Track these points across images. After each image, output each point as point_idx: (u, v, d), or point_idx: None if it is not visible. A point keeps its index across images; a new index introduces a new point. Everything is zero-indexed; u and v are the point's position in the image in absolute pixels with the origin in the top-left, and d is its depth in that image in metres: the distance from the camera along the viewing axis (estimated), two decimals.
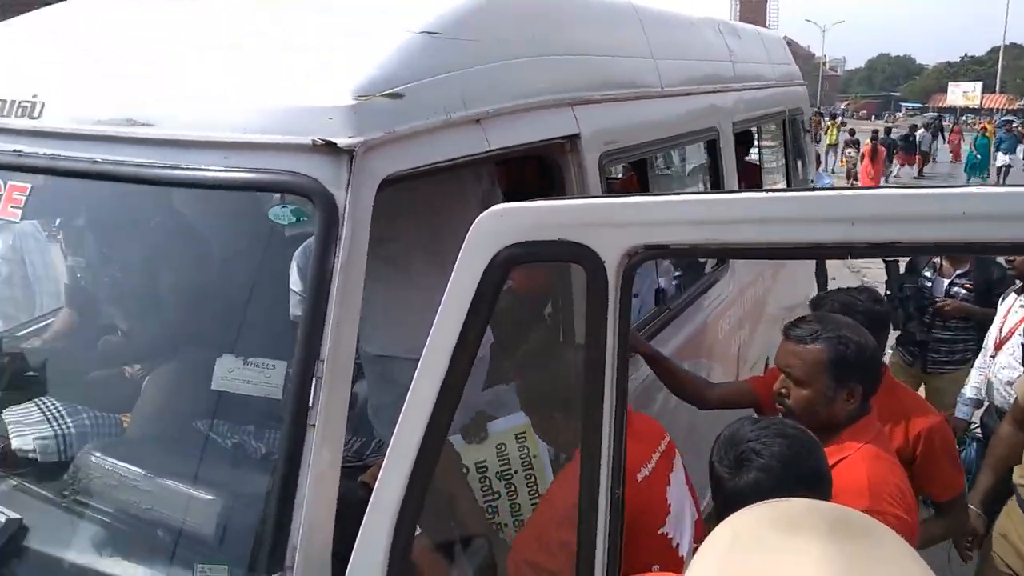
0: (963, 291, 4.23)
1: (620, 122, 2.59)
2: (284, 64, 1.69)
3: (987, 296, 4.10)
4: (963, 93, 75.79)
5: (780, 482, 1.42)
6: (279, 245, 1.52)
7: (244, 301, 1.53)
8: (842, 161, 22.54)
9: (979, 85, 74.11)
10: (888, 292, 4.39)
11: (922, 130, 24.25)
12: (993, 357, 3.54)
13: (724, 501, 1.49)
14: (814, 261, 6.33)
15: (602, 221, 1.09)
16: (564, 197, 1.15)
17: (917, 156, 22.96)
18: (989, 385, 3.52)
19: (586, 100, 2.38)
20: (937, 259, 4.35)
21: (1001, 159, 20.79)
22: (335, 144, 1.47)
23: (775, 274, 4.66)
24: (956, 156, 25.09)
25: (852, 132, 23.48)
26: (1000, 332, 3.57)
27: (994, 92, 69.90)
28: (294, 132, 1.51)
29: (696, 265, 3.80)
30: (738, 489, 1.44)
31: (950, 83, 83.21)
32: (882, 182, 19.41)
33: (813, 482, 1.46)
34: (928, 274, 4.34)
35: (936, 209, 0.98)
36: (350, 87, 1.57)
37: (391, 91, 1.62)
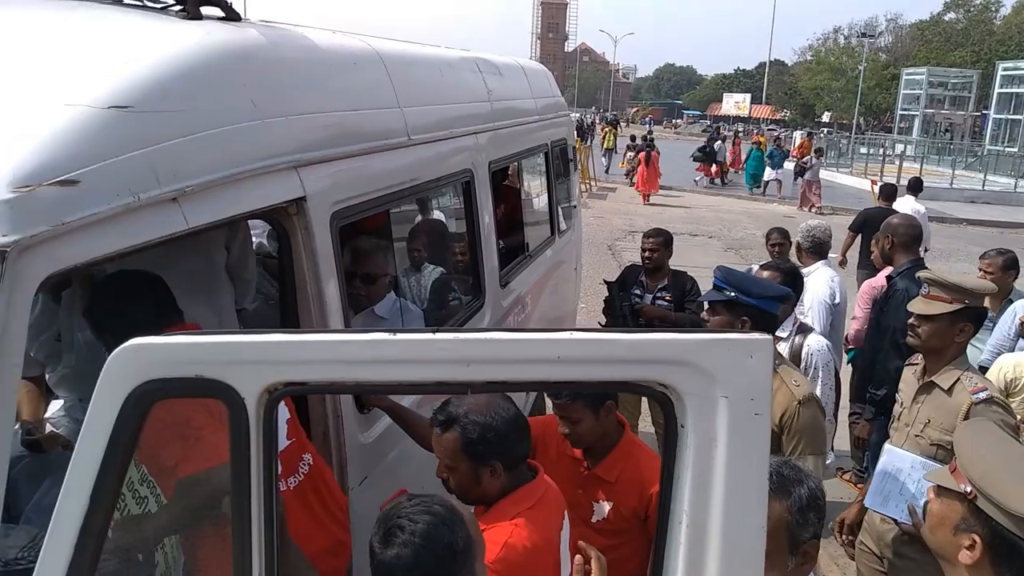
0: (663, 302, 5.09)
1: (355, 178, 2.60)
2: None
3: (682, 304, 5.03)
4: (735, 103, 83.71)
5: (417, 556, 1.49)
6: None
7: None
8: (622, 163, 24.17)
9: (748, 96, 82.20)
10: (612, 311, 5.13)
11: (719, 142, 26.32)
12: None
13: (374, 574, 1.55)
14: (580, 279, 6.78)
15: (239, 359, 1.10)
16: (202, 333, 1.14)
17: (715, 166, 24.92)
18: None
19: (314, 160, 2.36)
20: (643, 277, 5.01)
21: (769, 173, 23.06)
22: None
23: (536, 297, 4.90)
24: (736, 165, 27.47)
25: (633, 138, 25.20)
26: None
27: (761, 103, 77.79)
28: None
29: (443, 310, 3.93)
30: (384, 562, 1.51)
31: (725, 93, 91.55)
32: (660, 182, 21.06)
33: (449, 557, 1.54)
34: (637, 291, 5.14)
35: (536, 353, 1.10)
36: (10, 176, 1.44)
37: (62, 178, 1.52)
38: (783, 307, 4.13)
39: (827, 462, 4.03)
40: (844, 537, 3.47)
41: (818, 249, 5.22)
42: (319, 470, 2.30)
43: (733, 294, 2.98)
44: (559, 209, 5.63)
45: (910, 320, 3.21)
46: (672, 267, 5.22)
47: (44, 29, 2.07)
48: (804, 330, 4.19)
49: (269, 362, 1.10)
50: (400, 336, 1.09)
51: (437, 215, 5.03)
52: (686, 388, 1.09)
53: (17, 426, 2.92)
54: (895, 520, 3.04)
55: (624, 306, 5.04)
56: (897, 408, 3.40)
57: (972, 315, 3.10)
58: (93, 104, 1.68)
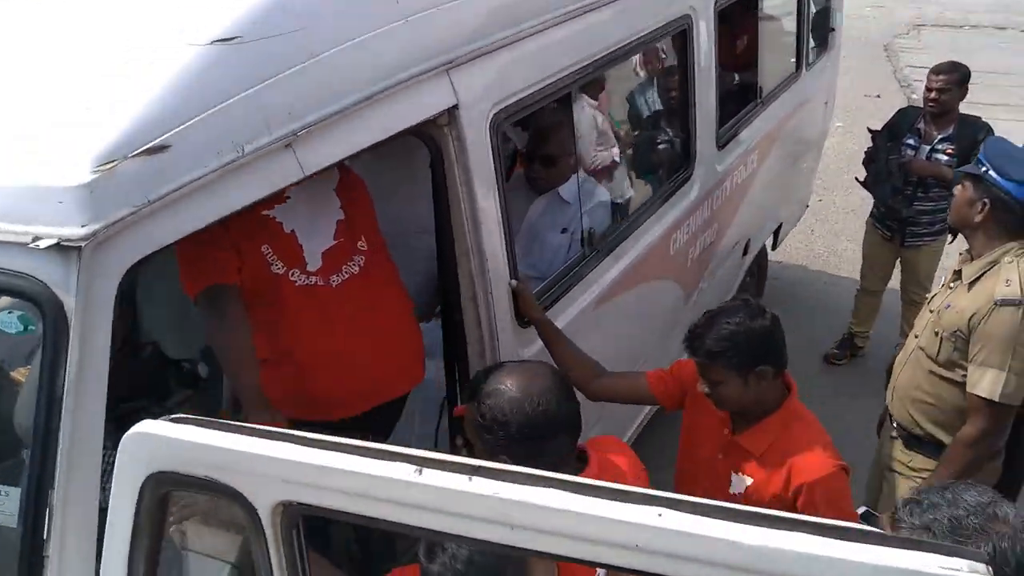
0: (944, 156, 4.07)
1: (524, 68, 2.20)
2: (31, 124, 1.41)
3: (968, 159, 3.83)
4: None
5: None
6: (12, 355, 1.38)
7: None
8: None
9: None
10: (874, 165, 4.29)
11: None
12: None
13: None
14: (831, 112, 5.80)
15: (250, 470, 0.93)
16: (214, 425, 0.96)
17: None
18: None
19: (470, 56, 2.01)
20: (921, 124, 4.16)
21: None
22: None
23: (766, 150, 4.25)
24: None
25: None
26: None
27: None
28: (24, 219, 1.29)
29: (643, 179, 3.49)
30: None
31: None
32: None
33: None
34: (911, 141, 4.17)
35: (606, 534, 0.80)
36: (91, 153, 1.30)
37: (149, 146, 1.36)
38: None
39: None
40: None
41: None
42: (369, 276, 2.23)
43: (984, 168, 2.40)
44: (811, 37, 4.70)
45: None
46: (962, 112, 4.16)
47: None
48: None
49: (282, 479, 0.92)
50: (428, 480, 0.84)
51: None
52: None
53: None
54: None
55: (891, 160, 4.14)
56: None
57: None
58: (191, 41, 1.47)
